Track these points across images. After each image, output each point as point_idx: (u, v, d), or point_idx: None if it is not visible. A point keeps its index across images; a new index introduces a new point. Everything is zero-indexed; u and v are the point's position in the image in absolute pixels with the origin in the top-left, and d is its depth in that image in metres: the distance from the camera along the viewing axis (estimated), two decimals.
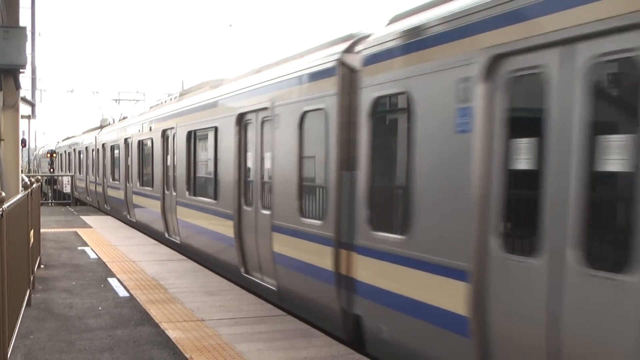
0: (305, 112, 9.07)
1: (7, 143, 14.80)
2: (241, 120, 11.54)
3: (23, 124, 18.81)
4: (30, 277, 10.18)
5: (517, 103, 5.53)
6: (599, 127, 4.74)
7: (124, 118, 28.27)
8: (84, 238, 17.84)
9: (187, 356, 7.24)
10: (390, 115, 7.59)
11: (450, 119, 6.08)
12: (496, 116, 5.61)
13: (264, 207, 10.53)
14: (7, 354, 6.63)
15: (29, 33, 14.54)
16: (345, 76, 8.13)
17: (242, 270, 11.43)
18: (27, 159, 70.70)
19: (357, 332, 8.01)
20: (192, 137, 14.75)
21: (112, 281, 11.51)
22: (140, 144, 20.06)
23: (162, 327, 8.45)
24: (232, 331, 8.26)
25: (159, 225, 17.62)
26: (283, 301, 9.87)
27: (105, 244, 16.65)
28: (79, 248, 15.83)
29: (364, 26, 8.82)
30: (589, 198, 4.82)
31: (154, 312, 9.24)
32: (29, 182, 10.98)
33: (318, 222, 8.66)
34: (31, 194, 10.72)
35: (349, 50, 8.21)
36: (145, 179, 19.45)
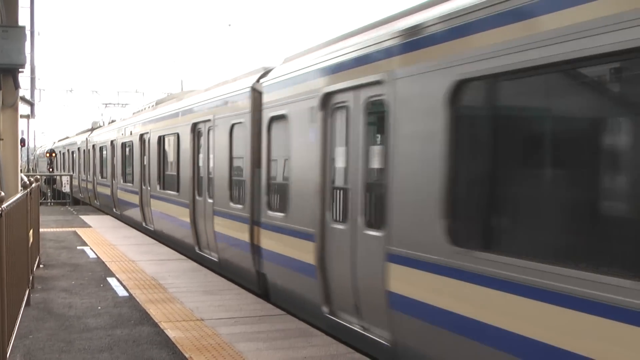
0: (233, 124, 11.97)
1: (6, 142, 14.80)
2: (194, 129, 14.37)
3: (22, 123, 18.86)
4: (29, 276, 10.18)
5: (336, 124, 8.29)
6: (371, 141, 7.59)
7: (113, 121, 31.02)
8: (83, 237, 17.84)
9: (187, 356, 7.24)
10: (278, 129, 10.20)
11: (307, 133, 8.97)
12: (327, 132, 8.49)
13: (209, 197, 13.30)
14: (7, 353, 6.63)
15: (28, 32, 14.53)
16: (256, 99, 10.94)
17: (196, 248, 14.15)
18: (26, 158, 70.67)
19: (266, 287, 10.71)
20: (162, 141, 17.56)
21: (112, 281, 11.51)
22: (123, 146, 22.74)
23: (161, 326, 8.45)
24: (232, 330, 8.26)
25: (137, 216, 20.35)
26: (222, 269, 12.55)
27: (105, 243, 16.65)
28: (78, 247, 15.83)
29: (275, 60, 12.31)
30: (365, 186, 7.65)
31: (153, 311, 9.24)
32: (28, 182, 10.98)
33: (240, 206, 11.48)
34: (30, 193, 10.72)
35: (258, 80, 11.07)
36: (127, 177, 22.06)
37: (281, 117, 9.90)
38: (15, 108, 14.85)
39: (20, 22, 14.78)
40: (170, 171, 16.62)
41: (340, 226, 8.14)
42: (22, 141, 26.33)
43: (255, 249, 10.85)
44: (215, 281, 11.54)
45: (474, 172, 5.94)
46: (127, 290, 10.72)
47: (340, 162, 8.26)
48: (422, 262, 6.27)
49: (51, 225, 20.89)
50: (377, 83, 7.27)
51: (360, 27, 8.29)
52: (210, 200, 13.09)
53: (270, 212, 10.21)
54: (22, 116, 16.50)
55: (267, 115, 10.41)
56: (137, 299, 10.02)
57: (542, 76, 5.09)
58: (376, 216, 7.41)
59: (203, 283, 11.33)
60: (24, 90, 16.02)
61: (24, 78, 15.63)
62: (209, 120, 13.24)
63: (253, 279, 11.06)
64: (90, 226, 21.07)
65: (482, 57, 5.49)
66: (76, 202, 34.68)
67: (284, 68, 10.16)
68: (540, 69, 4.99)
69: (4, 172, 14.57)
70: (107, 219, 23.63)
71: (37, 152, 73.95)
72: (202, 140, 13.80)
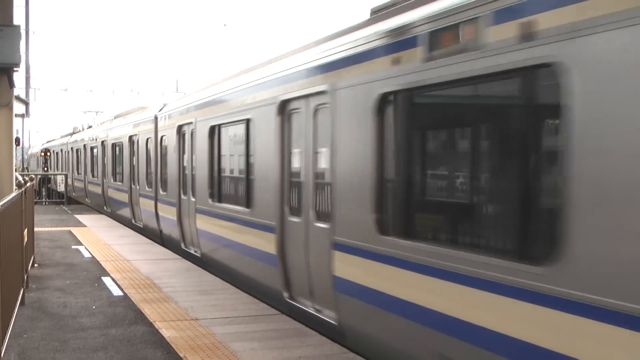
0: (147, 139, 18.47)
1: (1, 142, 14.77)
2: (130, 139, 20.98)
3: (17, 122, 18.85)
4: (24, 276, 10.17)
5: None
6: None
7: (90, 127, 36.53)
8: (78, 237, 17.82)
9: (181, 355, 7.24)
10: (167, 144, 16.38)
11: (174, 149, 14.14)
12: (180, 149, 13.54)
13: (136, 184, 19.92)
14: (1, 352, 6.64)
15: (23, 31, 14.51)
16: (157, 124, 17.39)
17: (133, 219, 19.69)
18: (21, 157, 70.52)
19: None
20: (114, 146, 24.04)
21: (106, 280, 11.50)
22: (92, 149, 29.28)
23: (156, 326, 8.45)
24: (226, 330, 8.27)
25: (101, 202, 27.06)
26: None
27: (99, 242, 16.63)
28: (73, 247, 15.82)
29: (172, 98, 20.88)
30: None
31: (148, 311, 9.24)
32: (22, 181, 10.97)
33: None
34: (25, 192, 10.71)
35: (159, 111, 17.55)
36: (94, 174, 28.57)
37: (163, 136, 16.75)
38: (10, 107, 14.83)
39: (15, 21, 14.75)
40: (119, 169, 23.53)
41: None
42: (17, 140, 26.84)
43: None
44: (210, 281, 11.54)
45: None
46: (121, 289, 10.71)
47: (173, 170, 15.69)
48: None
49: (46, 225, 20.86)
50: (189, 124, 14.30)
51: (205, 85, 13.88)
52: (135, 187, 20.18)
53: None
54: (16, 115, 16.47)
55: (159, 135, 17.20)
56: (132, 299, 10.02)
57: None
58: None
59: (198, 282, 11.33)
60: (19, 89, 15.99)
61: (18, 77, 15.60)
62: (136, 134, 20.04)
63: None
64: (85, 225, 21.04)
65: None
66: (71, 200, 34.69)
67: (165, 107, 17.18)
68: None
69: None
70: (102, 219, 23.60)
71: (29, 152, 74.01)
72: (134, 148, 20.53)
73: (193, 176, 13.99)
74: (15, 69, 14.21)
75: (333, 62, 8.01)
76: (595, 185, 4.49)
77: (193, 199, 13.94)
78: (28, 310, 9.26)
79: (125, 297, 10.18)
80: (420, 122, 6.91)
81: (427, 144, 7.01)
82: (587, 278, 4.52)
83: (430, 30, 6.18)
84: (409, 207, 6.82)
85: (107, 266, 12.94)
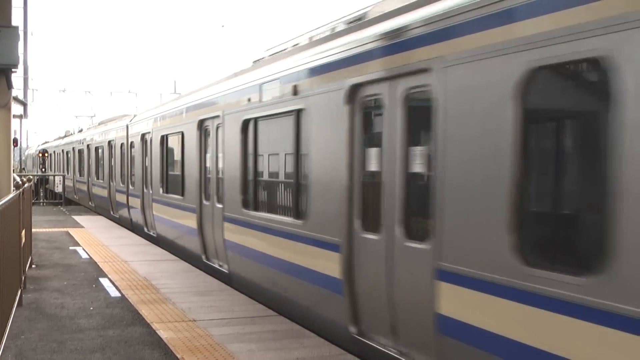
0: (122, 144, 21.99)
1: None
2: (109, 144, 24.54)
3: (15, 123, 18.86)
4: (21, 277, 10.17)
5: (147, 148, 16.71)
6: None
7: (80, 131, 39.13)
8: (75, 238, 17.82)
9: (179, 356, 7.25)
10: (135, 149, 19.65)
11: (138, 153, 18.76)
12: (136, 154, 19.80)
13: (121, 183, 22.25)
14: None
15: (21, 33, 14.51)
16: (128, 131, 21.02)
17: (89, 202, 23.80)
18: (19, 158, 70.42)
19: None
20: (97, 150, 27.82)
21: (104, 281, 11.50)
22: (80, 151, 32.87)
23: (153, 327, 8.45)
24: (224, 331, 8.28)
25: (86, 198, 30.52)
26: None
27: (97, 243, 16.63)
28: (71, 248, 15.81)
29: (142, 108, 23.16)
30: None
31: (146, 312, 9.25)
32: (20, 182, 10.97)
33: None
34: (23, 193, 10.71)
35: (130, 121, 21.12)
36: (82, 173, 32.19)
37: (132, 142, 20.35)
38: (8, 108, 14.82)
39: (14, 22, 14.74)
40: (101, 170, 26.98)
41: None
42: (15, 141, 27.31)
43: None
44: (208, 282, 11.55)
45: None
46: (119, 290, 10.72)
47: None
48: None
49: (43, 226, 20.85)
50: (148, 133, 18.06)
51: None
52: (113, 184, 24.08)
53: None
54: (14, 116, 16.46)
55: (130, 139, 20.73)
56: (130, 300, 10.02)
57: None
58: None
59: (195, 284, 11.34)
60: (16, 90, 15.99)
61: (16, 78, 15.59)
62: (114, 139, 23.74)
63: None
64: (82, 226, 21.03)
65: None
66: (68, 202, 34.78)
67: (135, 118, 20.86)
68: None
69: None
70: (99, 220, 23.60)
71: (26, 153, 74.20)
72: (112, 151, 24.19)
73: (151, 175, 17.64)
74: (13, 70, 14.21)
75: (223, 96, 11.77)
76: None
77: (150, 191, 17.74)
78: (25, 311, 9.26)
79: (123, 298, 10.19)
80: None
81: None
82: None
83: (259, 84, 9.92)
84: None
85: (104, 267, 12.94)
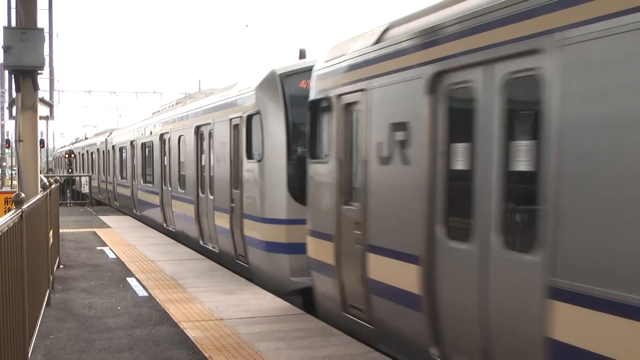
0: (103, 151, 33.25)
1: (26, 144, 14.86)
2: (98, 150, 35.16)
3: (41, 124, 19.07)
4: (49, 277, 10.23)
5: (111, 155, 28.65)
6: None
7: (86, 138, 49.25)
8: (102, 238, 17.93)
9: (206, 355, 7.24)
10: (109, 155, 31.47)
11: (112, 156, 30.57)
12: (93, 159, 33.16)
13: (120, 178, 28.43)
14: (28, 353, 6.67)
15: (46, 34, 14.60)
16: (108, 142, 31.76)
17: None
18: (45, 159, 71.21)
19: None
20: (88, 154, 38.35)
21: (131, 281, 11.55)
22: (90, 154, 39.50)
23: (181, 326, 8.46)
24: (251, 330, 8.26)
25: (97, 191, 35.78)
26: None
27: (124, 243, 16.72)
28: (98, 248, 15.91)
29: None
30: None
31: (173, 311, 9.26)
32: (47, 183, 11.04)
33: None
34: (50, 194, 10.78)
35: (109, 135, 32.38)
36: (83, 172, 41.51)
37: (112, 147, 29.75)
38: (34, 110, 14.91)
39: (39, 24, 14.85)
40: (94, 169, 36.59)
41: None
42: (42, 142, 28.24)
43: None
44: (235, 280, 11.54)
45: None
46: (146, 290, 10.75)
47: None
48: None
49: (71, 226, 21.02)
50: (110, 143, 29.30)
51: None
52: (99, 178, 34.25)
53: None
54: (41, 118, 16.57)
55: (108, 147, 30.90)
56: (157, 299, 10.05)
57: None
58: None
59: (222, 282, 11.33)
60: (43, 92, 16.09)
61: (42, 80, 15.69)
62: (100, 147, 33.60)
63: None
64: (109, 227, 21.17)
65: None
66: (97, 202, 35.06)
67: (114, 132, 31.30)
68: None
69: (24, 173, 14.65)
70: (126, 220, 23.75)
71: (53, 154, 75.71)
72: (99, 155, 34.54)
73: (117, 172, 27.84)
74: (39, 71, 14.30)
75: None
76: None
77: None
78: (54, 311, 9.32)
79: (150, 297, 10.21)
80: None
81: None
82: None
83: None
84: None
85: (131, 267, 13.00)
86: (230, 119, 12.60)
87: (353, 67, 7.85)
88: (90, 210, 29.67)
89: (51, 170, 69.13)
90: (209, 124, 14.04)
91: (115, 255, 14.65)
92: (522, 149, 5.49)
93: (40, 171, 16.81)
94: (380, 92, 7.26)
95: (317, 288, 9.08)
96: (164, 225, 19.14)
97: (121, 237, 18.05)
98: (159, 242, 17.04)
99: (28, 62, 13.36)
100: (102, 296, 10.34)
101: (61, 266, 13.05)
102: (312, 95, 9.03)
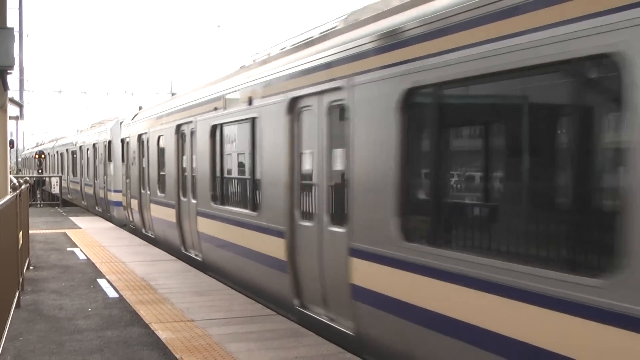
0: (72, 151, 34.87)
1: None
2: (67, 150, 36.39)
3: (11, 125, 18.89)
4: (19, 278, 10.15)
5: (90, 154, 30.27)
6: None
7: (62, 137, 47.42)
8: (73, 239, 17.79)
9: (178, 357, 7.24)
10: (77, 154, 34.48)
11: (79, 155, 32.89)
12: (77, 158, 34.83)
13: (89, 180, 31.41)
14: None
15: (16, 34, 14.49)
16: (76, 144, 34.07)
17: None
18: (15, 160, 70.36)
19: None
20: (59, 154, 39.04)
21: (102, 282, 11.49)
22: (53, 155, 43.24)
23: (152, 327, 8.44)
24: (223, 331, 8.27)
25: (65, 192, 36.47)
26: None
27: (95, 244, 16.61)
28: (68, 249, 15.79)
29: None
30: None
31: (144, 312, 9.24)
32: (17, 184, 10.95)
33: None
34: (20, 195, 10.70)
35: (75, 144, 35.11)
36: (56, 172, 41.53)
37: (75, 150, 33.84)
38: (4, 110, 14.81)
39: (9, 24, 14.73)
40: (72, 169, 35.50)
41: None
42: (11, 142, 28.07)
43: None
44: (206, 282, 11.54)
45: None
46: (117, 291, 10.70)
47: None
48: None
49: (41, 227, 20.82)
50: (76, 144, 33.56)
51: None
52: (76, 179, 34.25)
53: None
54: (10, 118, 16.45)
55: (76, 148, 33.10)
56: (128, 300, 10.01)
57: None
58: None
59: (194, 284, 11.32)
60: (12, 92, 15.97)
61: (12, 80, 15.58)
62: (69, 148, 35.52)
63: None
64: (80, 227, 21.01)
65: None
66: (66, 203, 34.78)
67: (78, 135, 35.45)
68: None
69: None
70: (97, 221, 23.58)
71: (23, 154, 74.87)
72: (67, 156, 35.32)
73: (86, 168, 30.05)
74: (8, 71, 14.19)
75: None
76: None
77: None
78: (24, 312, 9.25)
79: (121, 299, 10.17)
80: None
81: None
82: None
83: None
84: None
85: (102, 268, 12.93)
86: (95, 143, 26.83)
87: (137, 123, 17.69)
88: (61, 211, 29.40)
89: (20, 170, 68.33)
90: (97, 143, 26.94)
91: (86, 256, 14.56)
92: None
93: (10, 172, 16.65)
94: (150, 136, 16.57)
95: None
96: (96, 208, 27.78)
97: (92, 238, 17.93)
98: (131, 243, 16.96)
99: None
100: (72, 297, 10.28)
101: (31, 267, 12.94)
102: (123, 135, 20.92)
